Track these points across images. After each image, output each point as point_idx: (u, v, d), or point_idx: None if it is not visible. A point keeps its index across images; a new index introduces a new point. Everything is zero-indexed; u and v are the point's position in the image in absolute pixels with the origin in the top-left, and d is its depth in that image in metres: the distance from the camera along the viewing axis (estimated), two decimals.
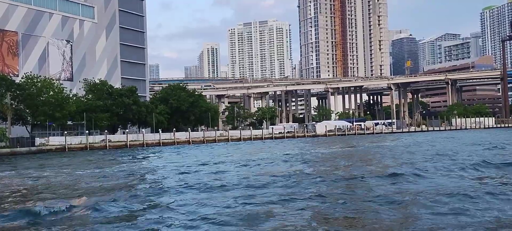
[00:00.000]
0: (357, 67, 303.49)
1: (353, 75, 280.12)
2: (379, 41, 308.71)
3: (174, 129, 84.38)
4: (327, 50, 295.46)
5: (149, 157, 46.41)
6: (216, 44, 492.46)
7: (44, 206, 14.95)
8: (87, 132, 70.38)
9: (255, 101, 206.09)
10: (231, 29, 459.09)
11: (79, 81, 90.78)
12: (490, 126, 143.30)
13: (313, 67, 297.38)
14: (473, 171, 22.81)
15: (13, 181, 25.42)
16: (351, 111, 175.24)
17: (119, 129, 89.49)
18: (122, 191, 19.52)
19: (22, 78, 72.29)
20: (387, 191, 16.90)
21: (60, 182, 24.13)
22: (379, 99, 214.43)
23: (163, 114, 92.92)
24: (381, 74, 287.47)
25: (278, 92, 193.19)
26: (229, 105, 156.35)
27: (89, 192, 19.38)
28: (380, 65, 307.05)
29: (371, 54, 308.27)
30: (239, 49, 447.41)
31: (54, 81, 74.38)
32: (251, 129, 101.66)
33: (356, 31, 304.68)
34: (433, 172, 22.58)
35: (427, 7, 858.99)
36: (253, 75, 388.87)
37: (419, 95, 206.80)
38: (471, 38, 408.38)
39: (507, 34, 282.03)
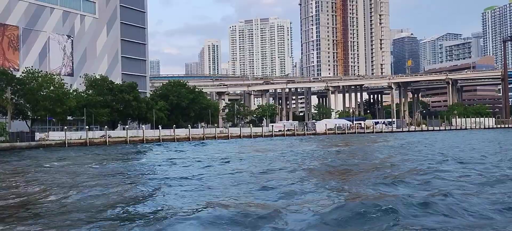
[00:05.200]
0: (358, 66, 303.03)
1: (354, 74, 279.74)
2: (380, 40, 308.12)
3: (174, 126, 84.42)
4: (328, 49, 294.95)
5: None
6: (217, 41, 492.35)
7: None
8: (87, 127, 70.39)
9: (255, 98, 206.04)
10: (232, 26, 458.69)
11: (80, 76, 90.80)
12: (490, 126, 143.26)
13: (313, 65, 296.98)
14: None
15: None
16: (351, 110, 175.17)
17: (119, 125, 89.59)
18: None
19: (22, 72, 72.33)
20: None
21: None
22: (379, 98, 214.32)
23: (163, 110, 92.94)
24: (381, 73, 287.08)
25: (278, 90, 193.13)
26: (229, 102, 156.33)
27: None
28: (381, 64, 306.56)
29: (372, 53, 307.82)
30: (240, 47, 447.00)
31: (55, 76, 74.44)
32: (251, 126, 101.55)
33: (357, 30, 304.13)
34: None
35: (428, 7, 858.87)
36: (253, 73, 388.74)
37: (420, 94, 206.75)
38: (472, 38, 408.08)
39: (509, 35, 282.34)
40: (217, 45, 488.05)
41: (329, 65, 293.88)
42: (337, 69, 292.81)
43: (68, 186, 20.01)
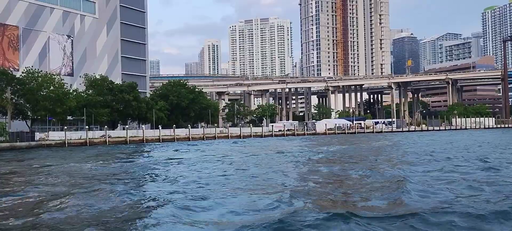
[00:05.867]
0: (358, 66, 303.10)
1: (354, 74, 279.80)
2: (380, 40, 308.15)
3: (174, 126, 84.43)
4: (328, 49, 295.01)
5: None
6: (217, 41, 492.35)
7: None
8: (87, 127, 70.41)
9: (255, 98, 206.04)
10: (232, 26, 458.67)
11: (80, 76, 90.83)
12: (490, 126, 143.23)
13: (313, 65, 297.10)
14: None
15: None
16: (351, 110, 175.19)
17: (119, 125, 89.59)
18: None
19: (22, 72, 72.32)
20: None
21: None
22: (379, 98, 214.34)
23: (163, 110, 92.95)
24: (381, 73, 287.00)
25: (278, 90, 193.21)
26: (229, 102, 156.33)
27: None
28: (381, 64, 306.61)
29: (372, 53, 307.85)
30: (240, 47, 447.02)
31: (55, 76, 74.42)
32: (251, 126, 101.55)
33: (357, 30, 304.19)
34: None
35: (428, 7, 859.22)
36: (253, 73, 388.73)
37: (420, 94, 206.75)
38: (472, 38, 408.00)
39: (509, 35, 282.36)
40: (217, 45, 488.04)
41: (329, 65, 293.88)
42: (337, 69, 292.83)
43: (67, 187, 20.01)
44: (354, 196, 15.71)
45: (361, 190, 16.82)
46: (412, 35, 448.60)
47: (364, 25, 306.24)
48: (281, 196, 15.44)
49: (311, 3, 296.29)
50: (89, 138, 66.40)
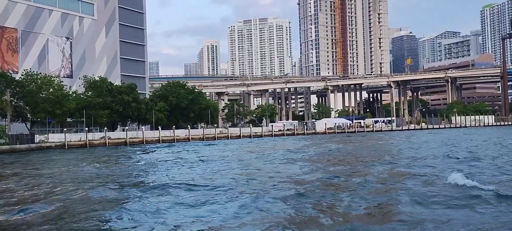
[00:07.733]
0: (357, 65, 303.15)
1: (353, 73, 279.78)
2: (379, 39, 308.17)
3: (174, 126, 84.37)
4: (327, 48, 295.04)
5: None
6: (216, 41, 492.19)
7: None
8: (86, 129, 70.33)
9: (254, 98, 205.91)
10: (231, 27, 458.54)
11: (79, 78, 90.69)
12: (489, 124, 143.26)
13: (313, 65, 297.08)
14: None
15: None
16: (350, 109, 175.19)
17: (118, 126, 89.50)
18: None
19: (21, 75, 72.26)
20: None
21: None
22: (379, 97, 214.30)
23: (163, 111, 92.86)
24: (381, 72, 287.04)
25: (277, 90, 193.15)
26: (228, 102, 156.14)
27: None
28: (380, 63, 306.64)
29: (371, 52, 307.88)
30: (239, 47, 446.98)
31: (54, 78, 74.34)
32: (251, 126, 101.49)
33: (356, 29, 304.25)
34: None
35: (427, 5, 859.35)
36: (253, 73, 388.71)
37: (419, 93, 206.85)
38: (471, 36, 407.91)
39: (507, 32, 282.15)
40: (216, 46, 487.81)
41: (328, 64, 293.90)
42: (336, 69, 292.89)
43: (69, 189, 20.00)
44: None
45: None
46: (411, 34, 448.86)
47: (363, 24, 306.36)
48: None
49: (310, 3, 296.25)
50: (89, 140, 66.35)
